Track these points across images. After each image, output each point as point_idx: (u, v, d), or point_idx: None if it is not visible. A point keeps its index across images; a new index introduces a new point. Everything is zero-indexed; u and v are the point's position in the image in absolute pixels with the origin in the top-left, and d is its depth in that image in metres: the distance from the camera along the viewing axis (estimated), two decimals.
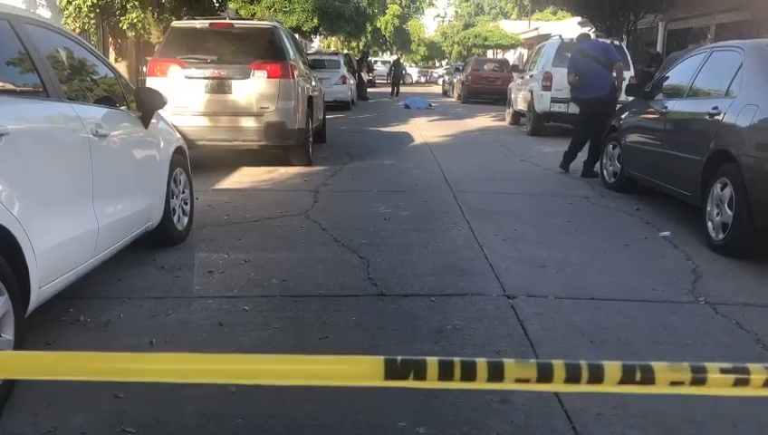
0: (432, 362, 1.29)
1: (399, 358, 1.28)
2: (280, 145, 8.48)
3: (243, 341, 3.34)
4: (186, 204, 5.22)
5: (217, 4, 15.15)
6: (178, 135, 5.30)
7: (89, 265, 3.51)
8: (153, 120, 4.59)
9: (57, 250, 3.09)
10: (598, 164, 8.19)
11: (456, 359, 1.30)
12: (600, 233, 5.71)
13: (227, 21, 9.67)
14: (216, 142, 8.35)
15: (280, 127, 8.18)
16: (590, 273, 4.56)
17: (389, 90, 30.85)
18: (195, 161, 5.83)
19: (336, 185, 7.73)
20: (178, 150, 5.10)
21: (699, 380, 1.31)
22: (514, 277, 4.39)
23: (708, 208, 5.29)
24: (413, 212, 6.30)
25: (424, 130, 14.52)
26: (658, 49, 17.32)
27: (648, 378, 1.33)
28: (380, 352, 3.24)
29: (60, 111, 3.37)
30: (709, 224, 5.26)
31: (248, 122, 8.17)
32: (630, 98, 7.70)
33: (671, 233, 5.63)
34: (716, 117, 5.31)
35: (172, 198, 4.89)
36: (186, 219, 5.21)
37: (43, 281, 2.96)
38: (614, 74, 8.42)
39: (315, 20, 26.15)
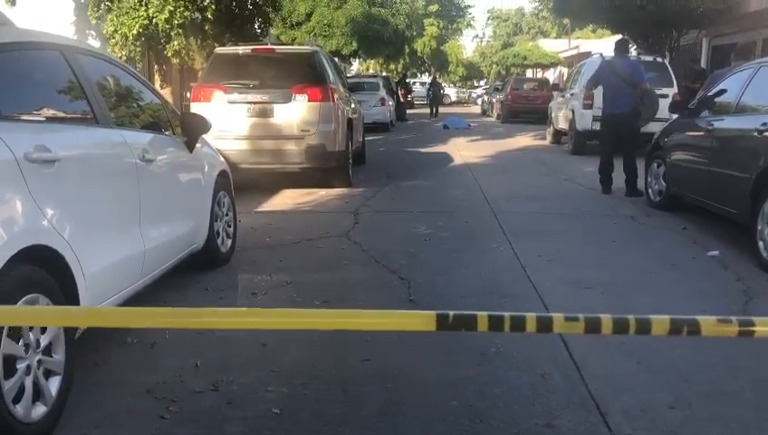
0: (482, 316, 1.38)
1: (451, 314, 1.38)
2: (320, 167, 8.56)
3: (286, 360, 3.35)
4: (229, 226, 5.30)
5: (259, 31, 15.45)
6: (222, 159, 5.40)
7: (136, 287, 3.58)
8: (198, 145, 4.68)
9: (105, 272, 3.17)
10: (642, 182, 8.06)
11: (506, 314, 1.39)
12: (646, 253, 5.60)
13: (269, 46, 9.84)
14: (258, 165, 8.47)
15: (320, 149, 8.27)
16: (636, 294, 4.47)
17: (428, 111, 30.87)
18: (237, 184, 5.91)
19: (376, 206, 7.75)
20: (222, 174, 5.19)
21: (747, 332, 1.32)
22: (559, 299, 4.32)
23: (759, 227, 5.14)
24: (454, 233, 6.27)
25: (463, 150, 14.50)
26: (703, 65, 17.02)
27: (695, 331, 1.37)
28: (422, 376, 3.22)
29: (108, 138, 3.47)
30: (760, 243, 5.11)
31: (289, 145, 8.28)
32: (674, 115, 7.58)
33: (720, 253, 5.48)
34: (766, 133, 5.18)
35: (216, 220, 4.96)
36: (229, 242, 5.27)
37: (92, 303, 3.02)
38: (638, 94, 8.34)
39: (354, 43, 26.48)
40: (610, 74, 8.55)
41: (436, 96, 31.15)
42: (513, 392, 3.00)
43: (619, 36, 14.43)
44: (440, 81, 39.18)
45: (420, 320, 1.38)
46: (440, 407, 2.88)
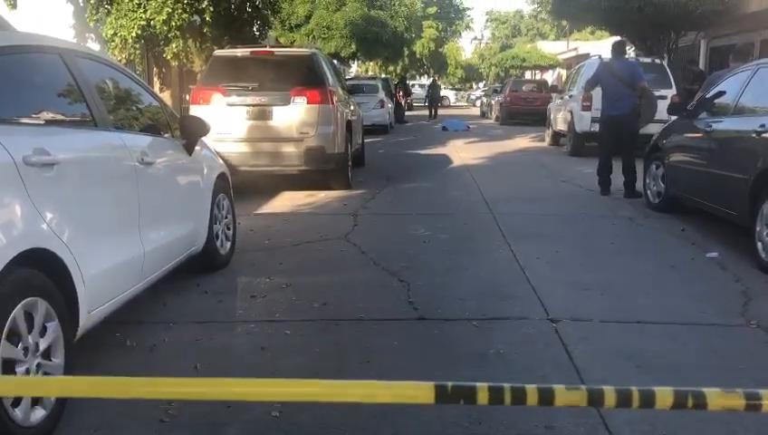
0: (482, 388, 1.34)
1: (450, 384, 1.36)
2: (319, 169, 8.56)
3: (285, 365, 3.35)
4: (228, 229, 5.30)
5: (258, 33, 15.44)
6: (221, 161, 5.40)
7: (135, 290, 3.58)
8: (197, 147, 4.68)
9: (105, 276, 3.16)
10: (640, 184, 8.07)
11: (506, 385, 1.34)
12: (645, 254, 5.60)
13: (268, 49, 9.85)
14: (258, 168, 8.47)
15: (319, 151, 8.27)
16: (635, 295, 4.47)
17: (427, 112, 30.86)
18: (236, 186, 5.91)
19: (375, 208, 7.75)
20: (221, 176, 5.19)
21: (754, 406, 1.29)
22: (558, 301, 4.32)
23: (758, 228, 5.14)
24: (453, 235, 6.27)
25: (462, 151, 14.50)
26: (701, 66, 17.03)
27: (701, 404, 1.31)
28: (422, 377, 3.21)
29: (107, 141, 3.47)
30: (759, 244, 5.11)
31: (288, 148, 8.28)
32: (672, 117, 7.59)
33: (719, 254, 5.48)
34: (764, 135, 5.18)
35: (215, 223, 4.96)
36: (228, 244, 5.27)
37: (92, 306, 3.02)
38: (638, 94, 8.37)
39: (353, 46, 26.47)
40: (609, 76, 8.57)
41: (434, 98, 31.16)
42: None
43: (620, 38, 14.44)
44: (439, 83, 39.17)
45: (419, 391, 1.36)
46: (439, 408, 2.87)
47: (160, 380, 1.44)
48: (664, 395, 1.31)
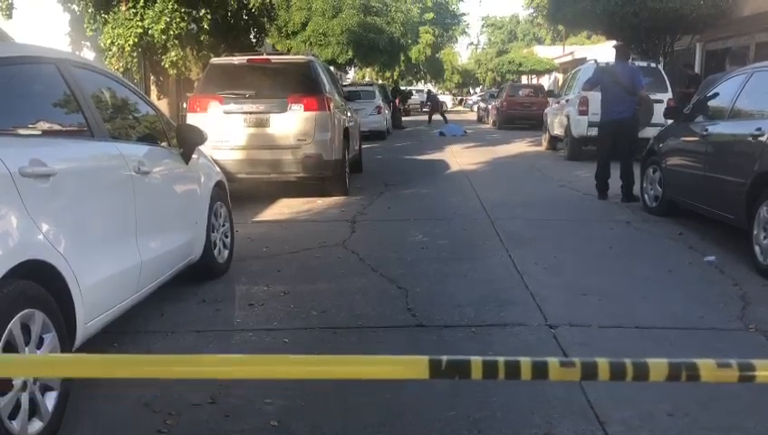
0: (476, 362, 1.31)
1: (444, 359, 1.33)
2: (317, 176, 8.57)
3: None
4: (226, 237, 5.29)
5: (254, 40, 15.45)
6: (218, 169, 5.40)
7: (133, 299, 3.57)
8: (194, 156, 4.68)
9: (102, 286, 3.16)
10: (638, 188, 8.08)
11: (501, 359, 1.32)
12: (643, 259, 5.60)
13: (264, 56, 9.86)
14: (255, 175, 8.47)
15: (317, 158, 8.28)
16: (633, 300, 4.46)
17: (424, 118, 30.89)
18: (234, 194, 5.91)
19: (373, 214, 7.75)
20: (219, 185, 5.18)
21: (747, 377, 1.31)
22: (556, 306, 4.31)
23: (755, 232, 5.15)
24: (451, 241, 6.27)
25: (460, 157, 14.52)
26: (697, 70, 17.08)
27: (694, 376, 1.35)
28: (421, 385, 3.20)
29: (104, 151, 3.47)
30: (756, 248, 5.12)
31: (286, 155, 8.29)
32: (668, 121, 7.61)
33: (716, 258, 5.48)
34: (760, 138, 5.19)
35: (213, 231, 4.96)
36: (226, 252, 5.26)
37: (89, 317, 3.01)
38: (637, 100, 8.41)
39: (350, 52, 26.52)
40: (610, 80, 8.56)
41: (435, 105, 31.16)
42: (511, 402, 2.99)
43: (617, 42, 14.46)
44: (434, 91, 39.19)
45: (412, 367, 1.33)
46: (439, 417, 2.87)
47: (202, 357, 1.47)
48: (658, 368, 1.33)
